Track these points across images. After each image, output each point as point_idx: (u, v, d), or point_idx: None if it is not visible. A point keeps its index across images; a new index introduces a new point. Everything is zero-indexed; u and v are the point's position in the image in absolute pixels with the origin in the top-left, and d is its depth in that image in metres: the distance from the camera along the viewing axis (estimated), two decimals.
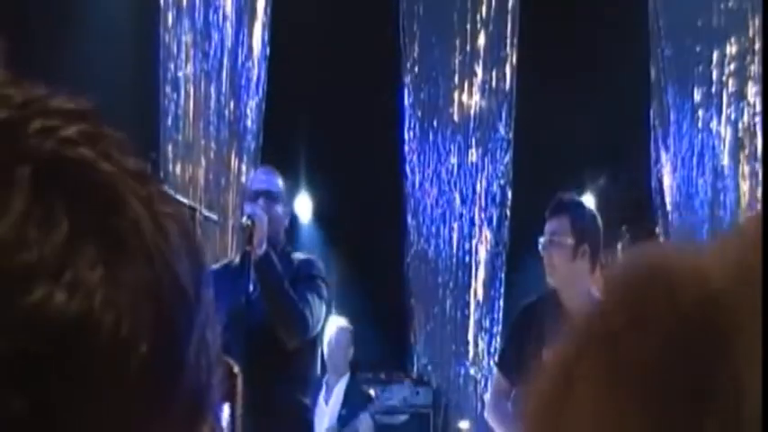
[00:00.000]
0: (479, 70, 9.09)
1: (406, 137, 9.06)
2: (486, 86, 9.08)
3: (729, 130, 8.70)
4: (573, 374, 0.73)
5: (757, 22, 8.68)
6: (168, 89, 8.68)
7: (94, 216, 0.67)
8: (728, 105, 8.71)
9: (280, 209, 5.30)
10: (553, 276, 5.01)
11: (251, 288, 5.07)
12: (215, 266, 5.43)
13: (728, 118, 8.70)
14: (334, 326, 7.33)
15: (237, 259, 5.31)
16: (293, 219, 6.45)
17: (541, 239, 5.03)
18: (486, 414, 5.29)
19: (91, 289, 0.65)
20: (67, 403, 0.64)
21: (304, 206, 8.83)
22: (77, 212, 0.67)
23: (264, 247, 5.06)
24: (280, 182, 5.38)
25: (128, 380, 0.65)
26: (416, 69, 9.11)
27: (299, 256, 5.39)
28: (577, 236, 4.96)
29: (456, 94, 9.09)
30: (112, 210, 0.68)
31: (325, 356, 7.16)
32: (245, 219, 5.12)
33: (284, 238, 5.40)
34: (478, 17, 9.10)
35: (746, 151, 8.65)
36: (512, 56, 9.08)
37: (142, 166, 0.72)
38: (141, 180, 0.71)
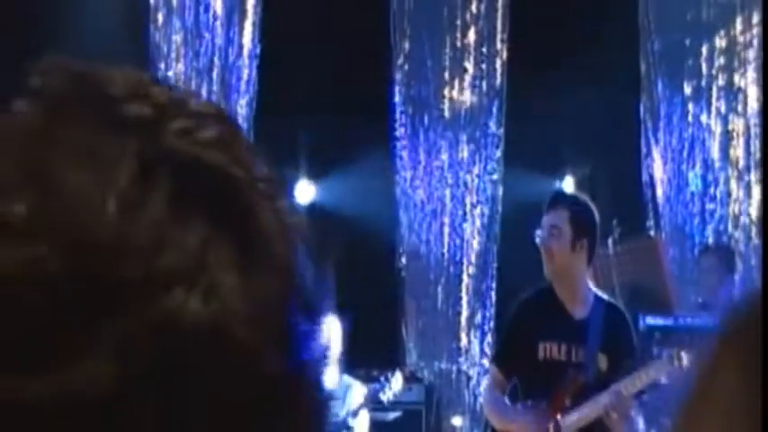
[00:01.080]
0: (470, 66, 9.10)
1: (397, 133, 9.06)
2: (477, 82, 9.09)
3: (719, 122, 8.72)
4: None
5: (747, 14, 8.70)
6: None
7: (230, 223, 0.67)
8: (718, 99, 8.74)
9: None
10: (551, 268, 5.04)
11: None
12: None
13: (718, 111, 8.73)
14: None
15: None
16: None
17: (539, 232, 5.06)
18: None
19: (225, 296, 0.65)
20: (199, 411, 0.64)
21: (295, 204, 8.86)
22: (213, 218, 0.66)
23: None
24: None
25: (255, 390, 0.65)
26: (407, 66, 9.11)
27: None
28: (576, 229, 5.00)
29: (446, 91, 9.10)
30: (246, 218, 0.68)
31: None
32: None
33: None
34: (468, 13, 9.10)
35: (736, 144, 8.68)
36: (502, 52, 9.09)
37: (273, 175, 0.72)
38: (272, 189, 0.71)
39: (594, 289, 5.21)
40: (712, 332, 0.87)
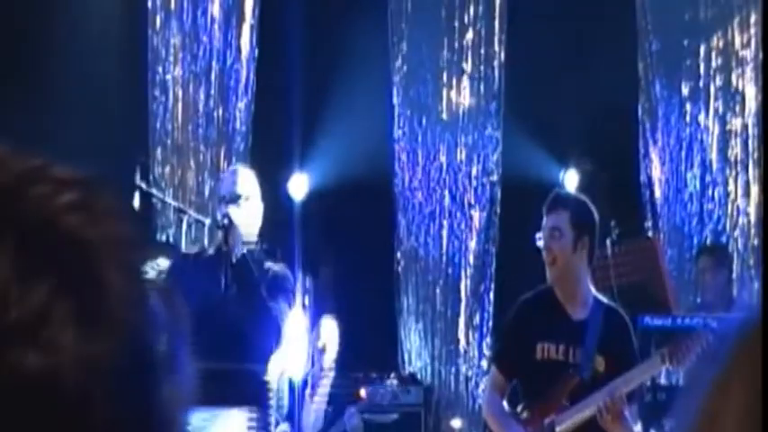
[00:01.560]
0: (468, 68, 9.10)
1: (396, 135, 9.06)
2: (475, 84, 9.09)
3: (717, 123, 8.72)
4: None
5: (744, 15, 8.70)
6: (157, 92, 8.69)
7: (75, 283, 0.72)
8: (716, 99, 8.74)
9: (256, 210, 5.30)
10: (553, 270, 5.04)
11: (223, 287, 5.09)
12: (187, 252, 5.45)
13: (716, 111, 8.73)
14: (320, 323, 7.34)
15: (211, 251, 5.29)
16: (285, 217, 6.44)
17: (540, 233, 5.07)
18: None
19: (61, 349, 0.70)
20: None
21: (293, 206, 8.81)
22: (60, 277, 0.72)
23: (241, 248, 5.07)
24: (251, 182, 5.37)
25: None
26: (405, 68, 9.11)
27: (272, 265, 5.35)
28: (577, 229, 5.01)
29: (444, 92, 9.10)
30: (92, 279, 0.73)
31: (311, 353, 7.17)
32: (220, 218, 5.12)
33: (256, 240, 5.39)
34: (466, 15, 9.11)
35: (734, 144, 8.68)
36: (500, 53, 9.09)
37: (131, 234, 0.77)
38: (127, 249, 0.76)
39: (594, 291, 5.22)
40: (717, 345, 0.88)
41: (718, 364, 0.84)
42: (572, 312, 5.07)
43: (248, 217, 5.26)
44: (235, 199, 5.24)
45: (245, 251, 5.13)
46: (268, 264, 5.32)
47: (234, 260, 5.10)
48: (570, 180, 8.71)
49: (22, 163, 0.78)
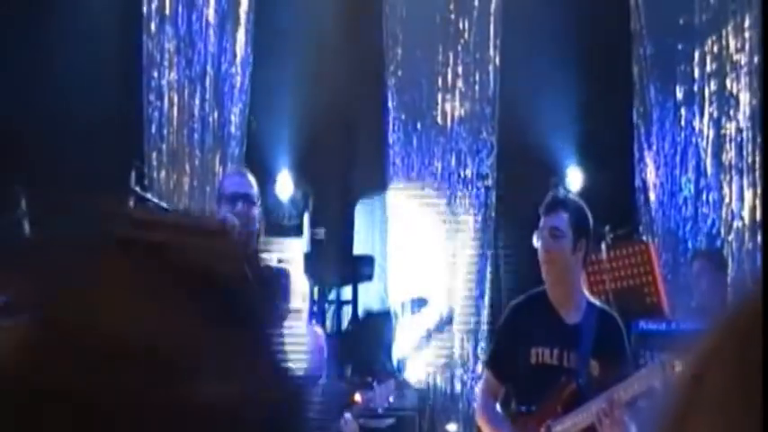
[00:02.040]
0: (462, 73, 9.11)
1: (390, 140, 9.07)
2: (470, 89, 9.10)
3: (711, 127, 8.73)
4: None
5: (738, 19, 8.72)
6: (152, 97, 8.69)
7: (237, 321, 0.86)
8: (710, 103, 8.75)
9: (256, 211, 5.29)
10: (551, 271, 5.04)
11: None
12: None
13: (710, 115, 8.74)
14: (307, 331, 7.33)
15: None
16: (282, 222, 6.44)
17: (538, 233, 5.05)
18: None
19: (232, 383, 0.83)
20: None
21: (288, 210, 8.81)
22: (222, 319, 0.85)
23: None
24: (255, 183, 5.38)
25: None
26: (399, 72, 9.12)
27: (273, 264, 5.36)
28: (576, 231, 5.02)
29: (439, 97, 9.10)
30: (249, 316, 0.88)
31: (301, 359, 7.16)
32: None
33: (259, 239, 5.38)
34: (461, 19, 9.11)
35: (728, 148, 8.69)
36: (494, 58, 9.10)
37: (270, 273, 0.91)
38: (269, 288, 0.90)
39: (587, 295, 5.22)
40: (705, 331, 0.92)
41: (693, 354, 0.87)
42: (565, 316, 5.07)
43: (254, 218, 5.26)
44: (245, 198, 5.23)
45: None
46: (269, 262, 5.33)
47: None
48: (562, 186, 8.71)
49: (174, 219, 0.92)
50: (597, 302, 5.25)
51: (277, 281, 5.23)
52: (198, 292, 0.84)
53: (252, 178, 5.38)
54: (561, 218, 5.02)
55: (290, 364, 0.88)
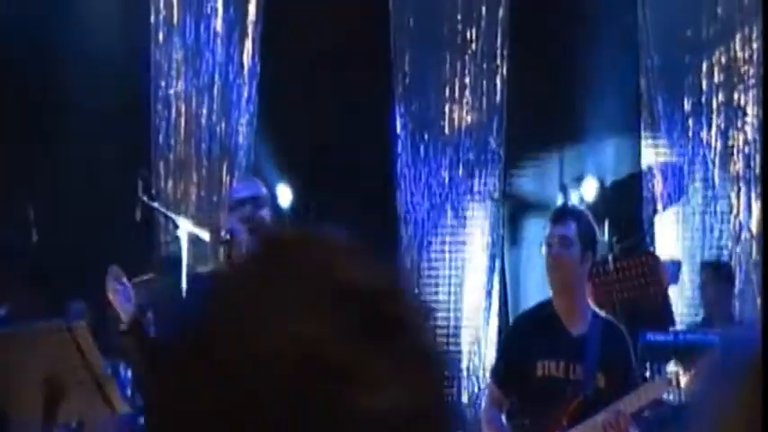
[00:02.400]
0: (470, 83, 9.11)
1: (398, 150, 9.07)
2: (477, 99, 9.10)
3: (719, 139, 8.73)
4: None
5: (746, 31, 8.71)
6: (160, 107, 8.71)
7: (397, 337, 0.92)
8: (718, 115, 8.75)
9: (267, 213, 5.28)
10: (560, 279, 5.02)
11: None
12: (199, 272, 5.45)
13: (718, 127, 8.74)
14: None
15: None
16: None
17: (547, 242, 5.04)
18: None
19: (395, 393, 0.89)
20: None
21: (295, 221, 8.81)
22: (381, 335, 0.91)
23: None
24: (263, 188, 5.37)
25: None
26: (407, 82, 9.13)
27: None
28: (584, 241, 5.01)
29: (447, 107, 9.10)
30: (405, 331, 0.94)
31: None
32: (223, 233, 5.12)
33: None
34: (468, 30, 9.12)
35: (736, 160, 8.68)
36: (502, 69, 9.10)
37: (412, 291, 1.00)
38: (421, 311, 0.97)
39: (592, 305, 5.21)
40: (723, 363, 0.96)
41: (723, 382, 0.87)
42: (571, 328, 5.05)
43: (264, 220, 5.24)
44: (253, 201, 5.23)
45: None
46: None
47: None
48: (588, 191, 8.67)
49: (329, 241, 0.99)
50: (603, 314, 5.23)
51: None
52: (358, 305, 0.90)
53: (260, 182, 5.39)
54: (570, 227, 5.02)
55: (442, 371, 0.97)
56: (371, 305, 0.91)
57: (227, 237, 5.10)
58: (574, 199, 8.54)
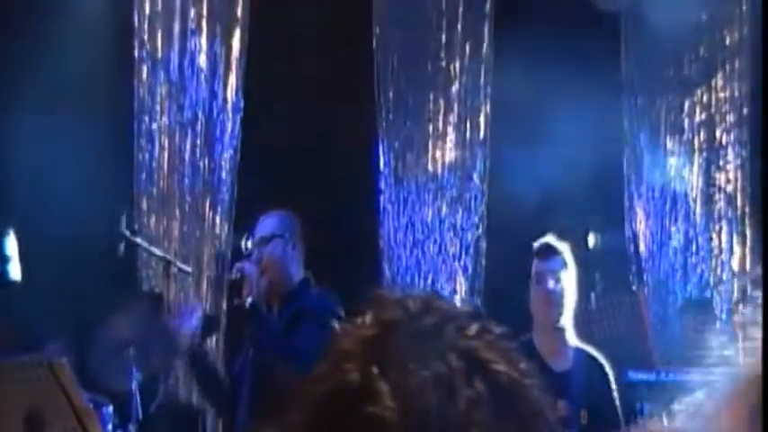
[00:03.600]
0: (454, 119, 9.14)
1: (381, 186, 9.08)
2: (461, 136, 9.13)
3: (701, 177, 8.78)
4: None
5: (727, 70, 8.78)
6: (143, 141, 8.70)
7: (503, 404, 0.99)
8: (700, 153, 8.80)
9: (278, 250, 5.29)
10: (550, 314, 5.07)
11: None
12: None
13: (700, 166, 8.79)
14: None
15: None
16: None
17: (536, 278, 5.09)
18: None
19: None
20: None
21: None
22: (492, 399, 0.98)
23: (250, 299, 5.05)
24: (276, 222, 5.39)
25: None
26: (390, 118, 9.15)
27: (315, 290, 5.39)
28: (568, 275, 5.10)
29: (430, 143, 9.13)
30: (521, 403, 1.03)
31: None
32: (234, 272, 5.13)
33: (293, 275, 5.35)
34: (452, 67, 9.16)
35: (717, 198, 8.73)
36: (486, 106, 9.14)
37: (527, 366, 1.07)
38: (525, 372, 1.06)
39: (575, 341, 5.23)
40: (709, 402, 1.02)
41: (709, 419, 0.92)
42: (554, 364, 5.06)
43: (273, 258, 5.25)
44: (260, 241, 5.25)
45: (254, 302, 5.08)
46: (312, 289, 5.34)
47: (244, 313, 5.08)
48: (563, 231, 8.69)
49: (442, 306, 1.06)
50: (584, 347, 5.25)
51: (321, 303, 5.21)
52: (468, 368, 0.97)
53: (278, 218, 5.40)
54: (558, 262, 5.08)
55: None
56: (486, 378, 0.99)
57: (237, 275, 5.10)
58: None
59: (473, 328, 1.04)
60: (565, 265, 5.13)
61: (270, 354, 5.00)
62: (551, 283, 5.07)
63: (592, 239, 8.06)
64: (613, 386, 5.19)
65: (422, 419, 0.94)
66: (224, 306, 5.38)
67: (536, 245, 5.29)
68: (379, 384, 0.97)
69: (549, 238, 5.35)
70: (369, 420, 0.96)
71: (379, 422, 0.95)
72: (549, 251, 5.18)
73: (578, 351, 5.15)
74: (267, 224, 5.45)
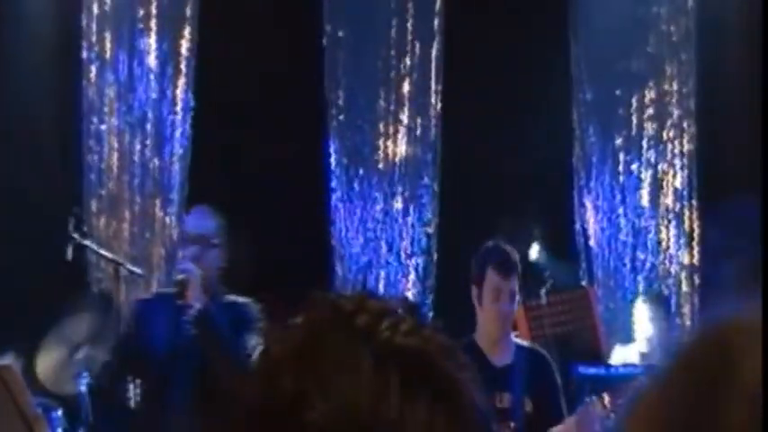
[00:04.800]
0: (404, 117, 9.15)
1: (332, 185, 9.07)
2: (412, 134, 9.14)
3: (649, 172, 8.84)
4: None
5: (676, 65, 8.85)
6: (92, 143, 8.64)
7: (443, 397, 0.97)
8: (648, 149, 8.87)
9: (214, 252, 5.29)
10: (500, 329, 5.23)
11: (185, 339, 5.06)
12: (146, 296, 5.45)
13: (648, 161, 8.86)
14: None
15: (171, 291, 5.25)
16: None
17: (495, 294, 5.22)
18: None
19: None
20: None
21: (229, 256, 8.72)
22: (433, 395, 0.97)
23: (200, 302, 5.03)
24: (211, 223, 5.38)
25: None
26: (341, 117, 9.14)
27: (235, 299, 5.37)
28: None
29: (381, 142, 9.14)
30: (451, 391, 0.99)
31: None
32: (178, 273, 5.12)
33: (218, 280, 5.36)
34: (402, 65, 9.17)
35: (666, 193, 8.80)
36: (436, 103, 9.16)
37: (464, 361, 1.04)
38: (459, 366, 1.02)
39: (515, 337, 5.39)
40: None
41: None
42: (495, 359, 5.20)
43: (210, 260, 5.25)
44: (200, 240, 5.24)
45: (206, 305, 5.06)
46: (230, 297, 5.32)
47: (195, 315, 5.06)
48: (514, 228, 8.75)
49: (375, 305, 1.04)
50: (525, 343, 5.41)
51: (247, 314, 5.21)
52: (403, 367, 0.96)
53: (209, 217, 5.40)
54: (515, 280, 5.25)
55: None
56: (421, 371, 0.98)
57: (183, 277, 5.09)
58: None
59: (407, 326, 1.03)
60: (518, 281, 5.30)
61: (219, 354, 5.00)
62: (509, 303, 5.22)
63: (541, 235, 8.10)
64: (557, 377, 5.32)
65: (355, 423, 0.94)
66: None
67: (495, 260, 5.36)
68: (310, 391, 0.97)
69: (509, 252, 5.45)
70: (301, 428, 0.95)
71: (312, 429, 0.95)
72: (510, 268, 5.31)
73: (519, 346, 5.30)
74: (205, 224, 5.43)
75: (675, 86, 8.88)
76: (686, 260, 8.60)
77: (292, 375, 0.99)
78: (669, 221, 8.73)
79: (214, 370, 4.96)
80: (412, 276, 8.97)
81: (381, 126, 9.14)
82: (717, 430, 0.85)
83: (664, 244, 8.70)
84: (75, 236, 6.33)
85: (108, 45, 8.74)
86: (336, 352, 1.00)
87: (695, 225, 8.65)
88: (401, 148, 9.13)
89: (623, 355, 7.16)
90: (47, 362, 6.00)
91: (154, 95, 8.75)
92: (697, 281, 8.56)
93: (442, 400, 0.97)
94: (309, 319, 1.07)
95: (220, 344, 5.00)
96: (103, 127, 8.64)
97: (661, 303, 7.84)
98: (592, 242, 8.84)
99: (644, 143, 8.87)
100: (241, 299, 5.42)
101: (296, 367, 1.00)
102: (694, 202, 8.71)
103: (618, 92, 8.96)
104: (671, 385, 0.91)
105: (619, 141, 8.92)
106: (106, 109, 8.67)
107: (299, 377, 0.99)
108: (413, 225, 9.02)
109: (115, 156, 8.66)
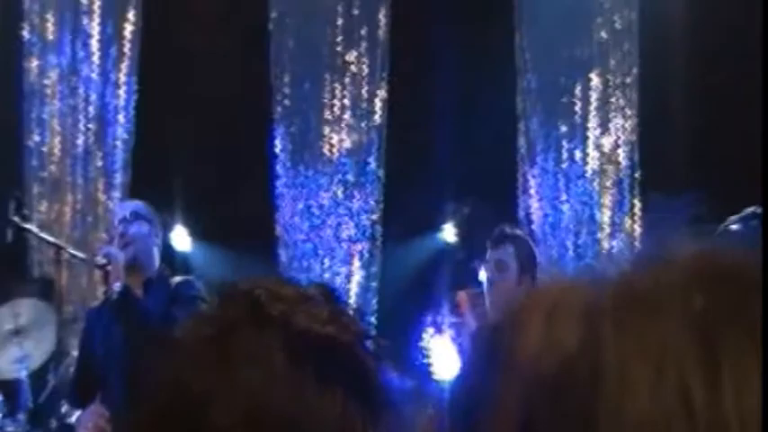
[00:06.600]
0: (350, 104, 9.14)
1: (277, 171, 9.05)
2: (357, 121, 9.13)
3: (593, 159, 8.91)
4: None
5: (621, 53, 8.91)
6: (33, 125, 8.55)
7: (357, 384, 0.96)
8: (592, 137, 8.93)
9: (146, 227, 5.23)
10: (492, 303, 5.15)
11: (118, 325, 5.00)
12: (94, 305, 5.40)
13: (592, 146, 8.92)
14: None
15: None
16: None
17: (484, 266, 5.18)
18: None
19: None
20: None
21: (174, 242, 8.67)
22: (348, 385, 0.96)
23: (119, 285, 4.97)
24: (140, 206, 5.34)
25: None
26: (286, 103, 9.11)
27: (177, 279, 5.32)
28: (521, 264, 5.16)
29: (326, 129, 9.12)
30: (365, 378, 0.98)
31: None
32: (99, 257, 5.05)
33: (155, 259, 5.30)
34: (348, 52, 9.15)
35: (608, 180, 8.87)
36: (382, 90, 9.15)
37: (363, 326, 1.03)
38: (376, 354, 1.00)
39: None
40: None
41: None
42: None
43: (143, 233, 5.19)
44: (134, 215, 5.18)
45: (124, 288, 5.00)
46: (174, 279, 5.26)
47: (114, 299, 5.00)
48: (458, 213, 8.78)
49: (289, 292, 1.01)
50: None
51: (185, 290, 5.16)
52: (318, 358, 0.94)
53: (143, 204, 5.35)
54: (507, 251, 5.18)
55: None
56: (333, 358, 0.95)
57: (104, 261, 5.03)
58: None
59: (324, 314, 0.98)
60: (516, 253, 5.34)
61: (143, 338, 4.95)
62: (496, 273, 5.28)
63: (486, 220, 8.13)
64: None
65: (265, 424, 0.91)
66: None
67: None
68: (217, 390, 0.93)
69: (505, 227, 5.47)
70: (210, 427, 0.92)
71: (221, 428, 0.92)
72: (500, 240, 5.35)
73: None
74: (129, 205, 5.40)
75: (619, 74, 8.94)
76: (627, 249, 8.68)
77: (199, 373, 0.95)
78: (612, 209, 8.80)
79: (139, 354, 4.91)
80: (357, 262, 8.96)
81: (327, 112, 9.12)
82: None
83: (607, 228, 8.78)
84: (16, 219, 6.25)
85: (50, 27, 8.64)
86: (248, 346, 0.95)
87: (637, 212, 8.73)
88: (346, 135, 9.12)
89: None
90: None
91: (97, 78, 8.66)
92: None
93: (357, 391, 0.95)
94: (222, 309, 1.01)
95: (143, 324, 4.92)
96: (46, 110, 8.55)
97: None
98: (535, 227, 8.89)
99: (588, 131, 8.93)
100: (183, 277, 5.36)
101: (203, 364, 0.95)
102: (636, 190, 8.79)
103: (562, 79, 9.00)
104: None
105: (563, 129, 8.97)
106: (48, 91, 8.57)
107: (205, 375, 0.94)
108: (358, 211, 9.02)
109: (57, 139, 8.57)
